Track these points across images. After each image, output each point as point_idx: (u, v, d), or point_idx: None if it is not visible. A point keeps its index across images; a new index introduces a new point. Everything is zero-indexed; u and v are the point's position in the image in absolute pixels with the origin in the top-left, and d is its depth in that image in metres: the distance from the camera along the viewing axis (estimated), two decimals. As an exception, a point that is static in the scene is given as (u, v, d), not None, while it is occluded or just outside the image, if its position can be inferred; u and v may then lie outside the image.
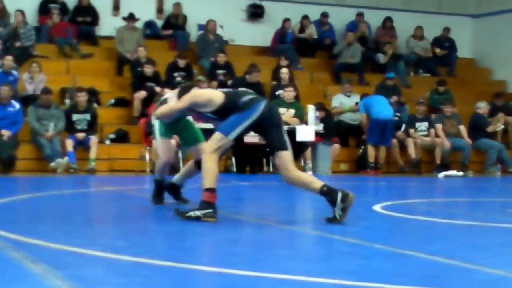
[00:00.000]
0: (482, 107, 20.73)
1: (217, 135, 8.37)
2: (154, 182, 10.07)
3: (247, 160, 17.98)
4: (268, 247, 7.06)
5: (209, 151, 8.36)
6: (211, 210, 8.20)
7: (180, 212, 8.40)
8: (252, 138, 16.13)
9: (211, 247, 7.08)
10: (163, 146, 9.85)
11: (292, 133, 16.72)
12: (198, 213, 8.19)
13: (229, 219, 8.88)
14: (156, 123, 9.70)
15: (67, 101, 18.19)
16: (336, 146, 18.72)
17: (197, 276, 5.58)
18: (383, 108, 19.02)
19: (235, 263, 5.98)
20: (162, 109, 9.24)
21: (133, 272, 5.64)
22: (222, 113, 8.52)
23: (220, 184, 8.31)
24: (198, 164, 9.37)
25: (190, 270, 5.70)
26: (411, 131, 19.67)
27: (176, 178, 9.96)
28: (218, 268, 5.71)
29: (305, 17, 23.46)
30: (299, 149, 17.74)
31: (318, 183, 8.31)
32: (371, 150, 18.92)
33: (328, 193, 8.19)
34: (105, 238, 7.49)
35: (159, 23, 22.79)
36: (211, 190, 8.27)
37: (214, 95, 8.63)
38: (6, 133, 16.25)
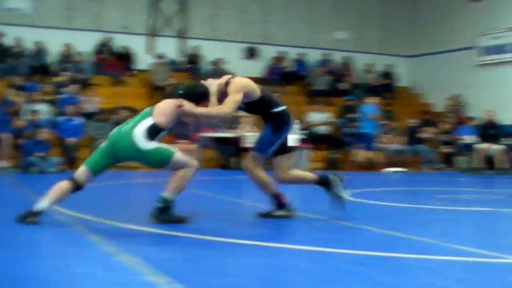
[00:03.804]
0: (414, 121, 20.73)
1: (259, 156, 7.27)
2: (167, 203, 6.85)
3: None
4: (259, 222, 7.05)
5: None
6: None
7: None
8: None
9: (216, 222, 7.02)
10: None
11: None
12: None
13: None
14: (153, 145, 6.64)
15: (114, 116, 18.20)
16: (310, 150, 18.73)
17: (205, 243, 5.57)
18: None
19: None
20: (219, 109, 6.87)
21: (163, 241, 5.62)
22: (255, 106, 7.18)
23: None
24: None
25: (201, 240, 5.69)
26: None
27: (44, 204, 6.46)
28: (220, 238, 5.70)
29: (286, 55, 23.62)
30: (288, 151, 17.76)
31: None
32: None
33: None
34: (142, 216, 7.45)
35: (181, 59, 22.86)
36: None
37: (256, 87, 7.16)
38: (71, 139, 16.30)
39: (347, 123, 20.19)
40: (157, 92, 20.34)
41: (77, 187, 6.64)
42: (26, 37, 20.42)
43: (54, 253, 5.02)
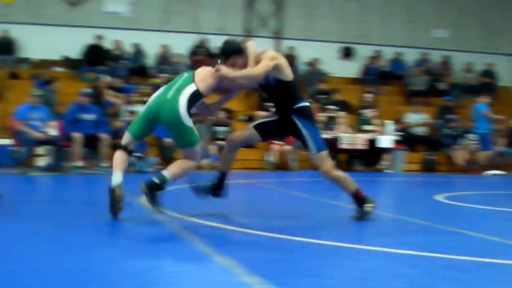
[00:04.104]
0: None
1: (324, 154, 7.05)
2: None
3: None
4: (355, 225, 7.04)
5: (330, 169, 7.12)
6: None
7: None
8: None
9: (313, 223, 7.01)
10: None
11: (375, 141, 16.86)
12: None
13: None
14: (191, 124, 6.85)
15: (210, 117, 18.34)
16: (406, 152, 18.52)
17: (300, 245, 5.59)
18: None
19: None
20: (251, 70, 6.87)
21: (258, 242, 5.68)
22: (282, 90, 7.03)
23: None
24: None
25: (296, 241, 5.71)
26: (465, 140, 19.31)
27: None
28: (317, 240, 5.72)
29: (382, 55, 23.49)
30: (379, 153, 17.64)
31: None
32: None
33: None
34: (237, 216, 7.54)
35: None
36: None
37: (288, 67, 7.09)
38: (168, 140, 16.51)
39: (445, 124, 19.87)
40: (253, 93, 20.48)
41: (129, 153, 7.02)
42: (125, 40, 20.92)
43: (151, 252, 5.12)
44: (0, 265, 4.49)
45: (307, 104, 7.11)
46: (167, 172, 6.93)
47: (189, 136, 6.87)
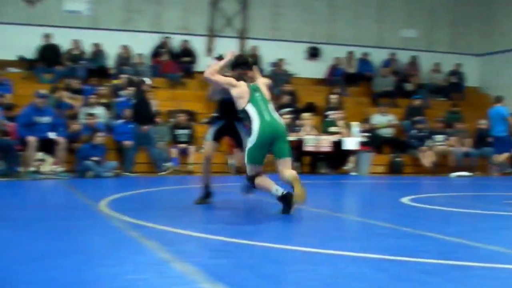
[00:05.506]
0: (483, 123, 20.24)
1: None
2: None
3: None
4: (319, 229, 7.03)
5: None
6: None
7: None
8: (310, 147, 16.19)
9: (278, 228, 6.98)
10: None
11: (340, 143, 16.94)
12: None
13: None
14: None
15: (172, 119, 18.29)
16: (372, 154, 18.56)
17: (264, 251, 5.58)
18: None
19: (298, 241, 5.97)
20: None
21: (220, 248, 5.67)
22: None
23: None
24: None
25: (260, 247, 5.71)
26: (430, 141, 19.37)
27: None
28: (281, 245, 5.71)
29: (351, 55, 23.56)
30: (345, 155, 17.69)
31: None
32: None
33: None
34: (199, 222, 7.51)
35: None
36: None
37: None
38: (127, 143, 16.40)
39: (412, 125, 19.95)
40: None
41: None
42: (85, 40, 20.72)
43: (109, 259, 5.07)
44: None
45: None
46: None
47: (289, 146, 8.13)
